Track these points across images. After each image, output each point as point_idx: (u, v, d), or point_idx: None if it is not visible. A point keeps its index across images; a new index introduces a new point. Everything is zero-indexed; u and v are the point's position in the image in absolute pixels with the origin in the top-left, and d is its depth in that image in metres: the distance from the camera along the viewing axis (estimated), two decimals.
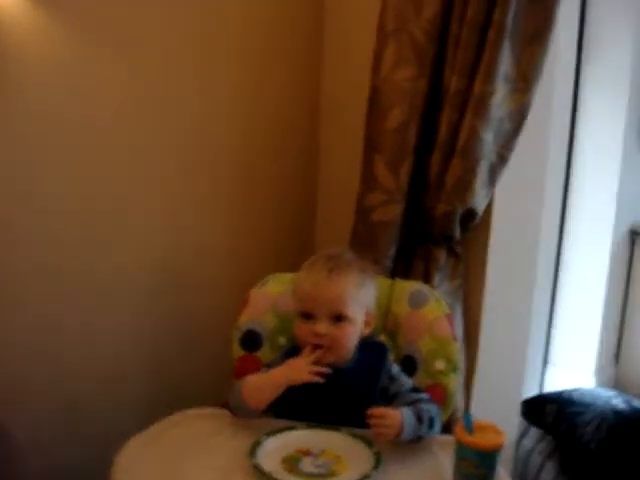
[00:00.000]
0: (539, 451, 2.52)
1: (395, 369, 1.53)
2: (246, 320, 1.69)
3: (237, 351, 1.68)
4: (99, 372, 1.92)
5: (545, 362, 3.36)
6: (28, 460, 1.28)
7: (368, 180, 2.02)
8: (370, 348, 1.52)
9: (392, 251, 2.01)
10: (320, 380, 1.41)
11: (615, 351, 3.61)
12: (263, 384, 1.44)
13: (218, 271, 2.14)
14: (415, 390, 1.49)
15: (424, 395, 1.48)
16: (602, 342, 3.42)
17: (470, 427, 1.22)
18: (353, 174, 2.07)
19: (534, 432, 2.58)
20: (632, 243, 3.53)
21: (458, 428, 1.23)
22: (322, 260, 1.51)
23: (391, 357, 1.57)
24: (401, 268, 2.05)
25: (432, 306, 1.66)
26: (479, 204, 1.96)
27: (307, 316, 1.48)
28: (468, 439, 1.21)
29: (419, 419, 1.39)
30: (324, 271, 1.48)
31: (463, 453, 1.22)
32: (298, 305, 1.51)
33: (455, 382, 1.62)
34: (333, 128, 2.36)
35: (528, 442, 2.55)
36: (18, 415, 1.67)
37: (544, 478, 2.43)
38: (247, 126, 2.14)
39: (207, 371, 2.07)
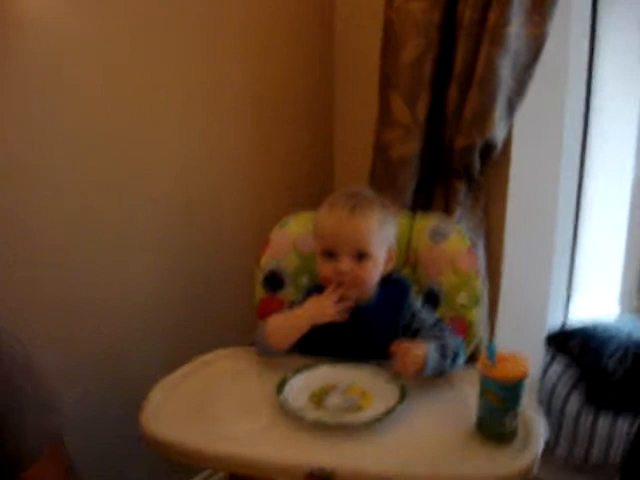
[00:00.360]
0: (564, 382, 2.53)
1: (417, 305, 1.53)
2: (268, 261, 1.70)
3: (260, 292, 1.70)
4: (133, 315, 1.92)
5: (570, 291, 3.36)
6: (63, 410, 1.31)
7: (385, 116, 2.00)
8: (392, 284, 1.52)
9: (412, 187, 1.99)
10: (343, 318, 1.41)
11: (637, 282, 3.59)
12: (286, 325, 1.45)
13: (239, 212, 2.13)
14: (437, 325, 1.50)
15: (447, 329, 1.49)
16: (626, 269, 3.40)
17: (493, 358, 1.22)
18: (370, 111, 2.04)
19: (559, 363, 2.58)
20: None
21: (481, 360, 1.23)
22: (343, 198, 1.49)
23: (413, 292, 1.57)
24: (421, 203, 2.04)
25: (454, 240, 1.65)
26: (498, 136, 1.93)
27: (329, 254, 1.48)
28: (491, 371, 1.21)
29: (442, 354, 1.40)
30: (346, 209, 1.47)
31: (486, 385, 1.22)
32: (320, 243, 1.50)
33: (478, 316, 1.63)
34: (348, 64, 2.32)
35: (553, 373, 2.55)
36: (54, 366, 1.69)
37: (570, 408, 2.44)
38: (261, 65, 2.11)
39: (232, 312, 2.09)
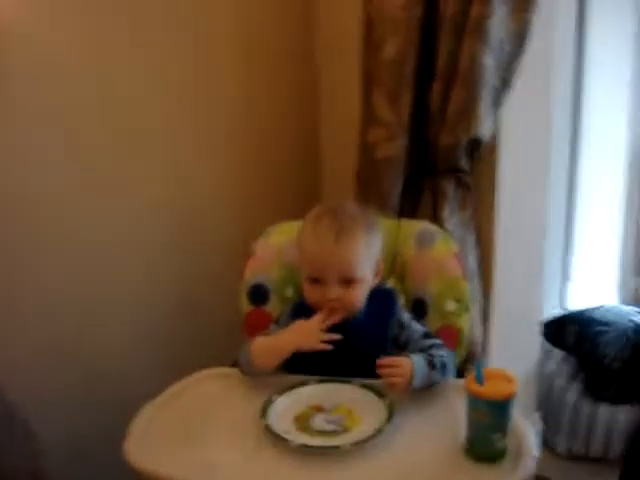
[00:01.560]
0: (563, 373, 2.51)
1: (405, 316, 1.49)
2: (252, 274, 1.66)
3: (246, 306, 1.66)
4: (114, 337, 1.91)
5: (566, 280, 3.33)
6: (41, 431, 1.29)
7: (368, 115, 1.96)
8: (379, 296, 1.48)
9: (399, 187, 1.96)
10: (329, 348, 1.38)
11: (637, 265, 3.56)
12: (271, 347, 1.41)
13: (223, 220, 2.10)
14: (426, 336, 1.46)
15: (436, 340, 1.45)
16: (623, 256, 3.37)
17: (481, 377, 1.19)
18: (355, 111, 2.00)
19: (557, 354, 2.56)
20: None
21: (468, 379, 1.20)
22: (327, 220, 1.43)
23: (401, 303, 1.54)
24: (410, 203, 2.01)
25: (440, 246, 1.62)
26: (484, 132, 1.89)
27: (316, 280, 1.44)
28: (478, 390, 1.18)
29: (431, 365, 1.37)
30: (331, 235, 1.41)
31: (474, 404, 1.19)
32: (305, 268, 1.46)
33: (467, 322, 1.59)
34: (333, 63, 2.28)
35: (551, 364, 2.54)
36: (33, 386, 1.67)
37: (569, 399, 2.42)
38: (248, 70, 2.08)
39: (218, 329, 2.06)
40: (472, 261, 2.00)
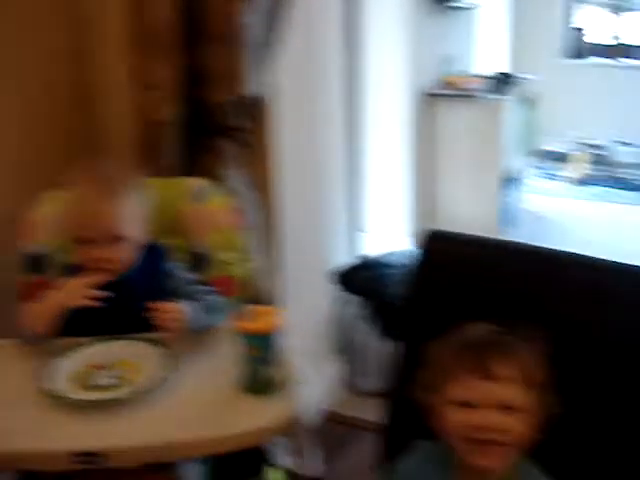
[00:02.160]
0: (357, 316, 2.66)
1: (174, 267, 1.54)
2: (27, 244, 1.63)
3: (23, 277, 1.63)
4: None
5: (360, 231, 3.50)
6: None
7: (141, 80, 1.96)
8: (148, 252, 1.51)
9: (177, 149, 1.98)
10: (95, 304, 1.39)
11: (422, 208, 3.81)
12: (41, 311, 1.41)
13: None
14: (197, 284, 1.52)
15: (206, 288, 1.52)
16: (415, 205, 3.60)
17: (247, 314, 1.25)
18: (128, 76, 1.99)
19: (354, 300, 2.71)
20: (426, 104, 3.68)
21: (237, 318, 1.26)
22: (90, 181, 1.45)
23: (172, 256, 1.57)
24: (191, 163, 2.03)
25: (214, 200, 1.67)
26: (254, 91, 1.95)
27: (84, 241, 1.45)
28: (246, 326, 1.25)
29: (202, 309, 1.43)
30: (93, 195, 1.43)
31: (245, 340, 1.26)
32: (72, 231, 1.46)
33: (247, 271, 1.66)
34: (104, 27, 2.23)
35: (346, 309, 2.68)
36: None
37: (367, 341, 2.58)
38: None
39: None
40: (256, 216, 2.06)
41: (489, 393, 1.06)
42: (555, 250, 1.21)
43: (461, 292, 1.24)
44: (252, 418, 1.23)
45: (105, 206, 1.43)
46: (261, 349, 1.25)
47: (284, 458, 2.16)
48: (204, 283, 1.53)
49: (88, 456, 1.17)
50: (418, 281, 1.31)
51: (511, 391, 1.06)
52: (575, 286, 1.17)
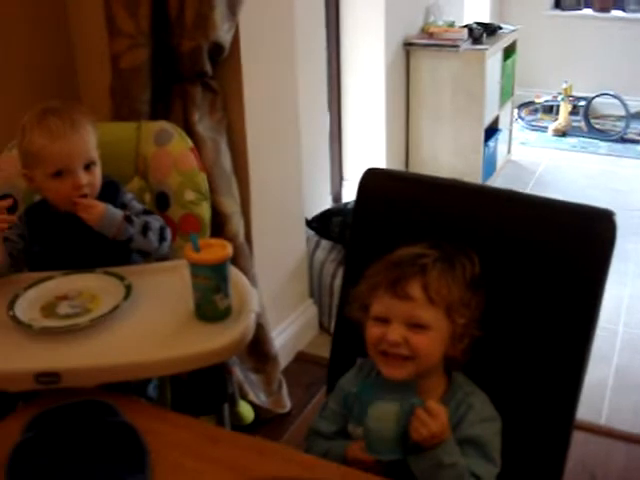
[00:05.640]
0: (331, 260, 2.74)
1: (127, 198, 1.63)
2: (1, 185, 1.70)
3: None
4: None
5: (341, 179, 3.57)
6: None
7: (111, 27, 2.01)
8: (104, 187, 1.59)
9: (147, 94, 2.04)
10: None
11: (404, 158, 3.88)
12: None
13: None
14: (145, 212, 1.62)
15: (153, 215, 1.63)
16: (395, 155, 3.66)
17: (197, 245, 1.33)
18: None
19: (325, 244, 2.79)
20: (407, 54, 3.72)
21: (186, 248, 1.34)
22: (54, 117, 1.51)
23: (124, 190, 1.66)
24: (161, 110, 2.10)
25: (176, 142, 1.74)
26: (223, 37, 2.00)
27: (59, 173, 1.52)
28: (195, 256, 1.32)
29: (128, 220, 1.53)
30: (67, 128, 1.51)
31: (194, 270, 1.34)
32: (46, 166, 1.52)
33: (207, 211, 1.73)
34: None
35: (321, 254, 2.76)
36: None
37: (337, 283, 2.66)
38: None
39: None
40: (226, 162, 2.14)
41: (398, 311, 1.15)
42: (477, 185, 1.29)
43: (392, 223, 1.34)
44: (202, 341, 1.32)
45: (81, 137, 1.52)
46: (211, 278, 1.33)
47: (253, 394, 2.27)
48: (150, 212, 1.64)
49: (49, 376, 1.26)
50: (356, 214, 1.40)
51: (420, 310, 1.15)
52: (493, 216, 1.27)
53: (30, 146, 1.53)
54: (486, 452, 1.17)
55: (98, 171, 1.56)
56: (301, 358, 2.59)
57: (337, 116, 3.45)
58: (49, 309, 1.42)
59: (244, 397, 2.25)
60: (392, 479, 1.10)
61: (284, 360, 2.51)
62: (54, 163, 1.52)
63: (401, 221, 1.33)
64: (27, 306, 1.42)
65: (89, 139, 1.54)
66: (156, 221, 1.59)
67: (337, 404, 1.29)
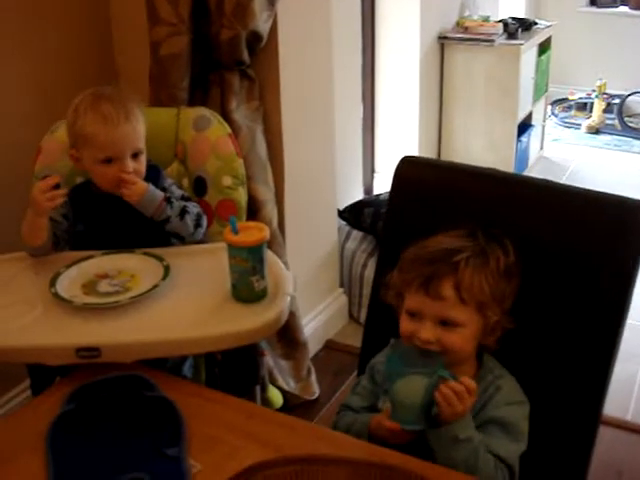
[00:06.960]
0: (362, 250, 2.76)
1: (168, 182, 1.67)
2: (42, 168, 1.75)
3: None
4: None
5: (373, 171, 3.59)
6: None
7: (152, 15, 2.04)
8: (147, 171, 1.63)
9: (185, 82, 2.07)
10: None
11: (436, 151, 3.88)
12: (26, 225, 1.53)
13: (16, 123, 2.12)
14: (183, 198, 1.65)
15: (191, 201, 1.66)
16: (422, 144, 3.66)
17: (235, 227, 1.36)
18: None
19: (356, 235, 2.81)
20: (441, 48, 3.72)
21: (226, 231, 1.37)
22: (107, 104, 1.55)
23: (165, 174, 1.70)
24: (199, 97, 2.13)
25: (215, 128, 1.77)
26: (262, 27, 2.03)
27: (108, 160, 1.56)
28: (234, 239, 1.36)
29: (168, 202, 1.57)
30: (120, 116, 1.55)
31: (233, 252, 1.37)
32: (96, 153, 1.56)
33: (244, 196, 1.76)
34: None
35: (352, 244, 2.78)
36: None
37: (367, 274, 2.68)
38: None
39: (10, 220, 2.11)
40: (262, 150, 2.17)
41: (430, 309, 1.16)
42: (515, 174, 1.30)
43: (427, 210, 1.36)
44: (238, 321, 1.35)
45: (132, 125, 1.56)
46: (248, 260, 1.36)
47: (283, 380, 2.30)
48: (189, 199, 1.67)
49: (89, 351, 1.30)
50: (391, 201, 1.42)
51: (451, 310, 1.16)
52: (529, 205, 1.28)
53: (82, 130, 1.56)
54: (509, 431, 1.18)
55: (144, 159, 1.61)
56: (330, 346, 2.62)
57: (370, 108, 3.46)
58: (89, 287, 1.46)
59: (273, 383, 2.28)
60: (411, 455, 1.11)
61: (313, 348, 2.54)
62: (104, 150, 1.56)
63: (436, 208, 1.35)
64: (68, 284, 1.46)
65: (140, 129, 1.58)
66: (194, 207, 1.62)
67: (369, 381, 1.32)
